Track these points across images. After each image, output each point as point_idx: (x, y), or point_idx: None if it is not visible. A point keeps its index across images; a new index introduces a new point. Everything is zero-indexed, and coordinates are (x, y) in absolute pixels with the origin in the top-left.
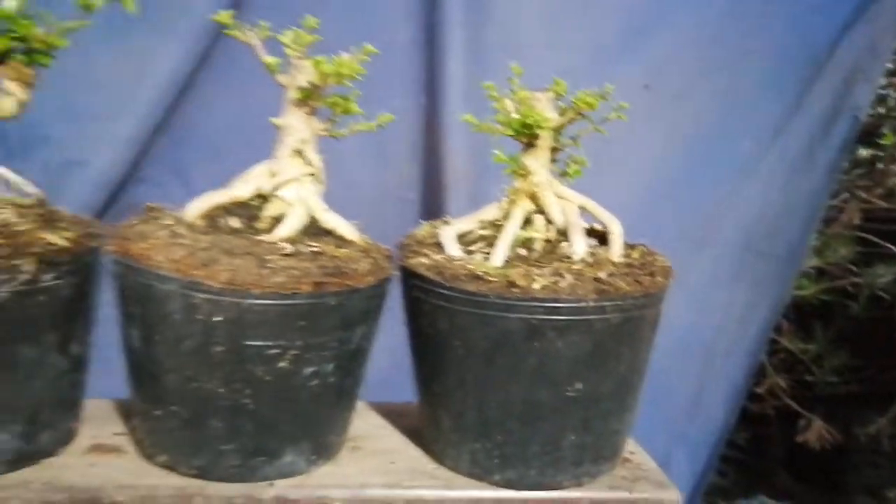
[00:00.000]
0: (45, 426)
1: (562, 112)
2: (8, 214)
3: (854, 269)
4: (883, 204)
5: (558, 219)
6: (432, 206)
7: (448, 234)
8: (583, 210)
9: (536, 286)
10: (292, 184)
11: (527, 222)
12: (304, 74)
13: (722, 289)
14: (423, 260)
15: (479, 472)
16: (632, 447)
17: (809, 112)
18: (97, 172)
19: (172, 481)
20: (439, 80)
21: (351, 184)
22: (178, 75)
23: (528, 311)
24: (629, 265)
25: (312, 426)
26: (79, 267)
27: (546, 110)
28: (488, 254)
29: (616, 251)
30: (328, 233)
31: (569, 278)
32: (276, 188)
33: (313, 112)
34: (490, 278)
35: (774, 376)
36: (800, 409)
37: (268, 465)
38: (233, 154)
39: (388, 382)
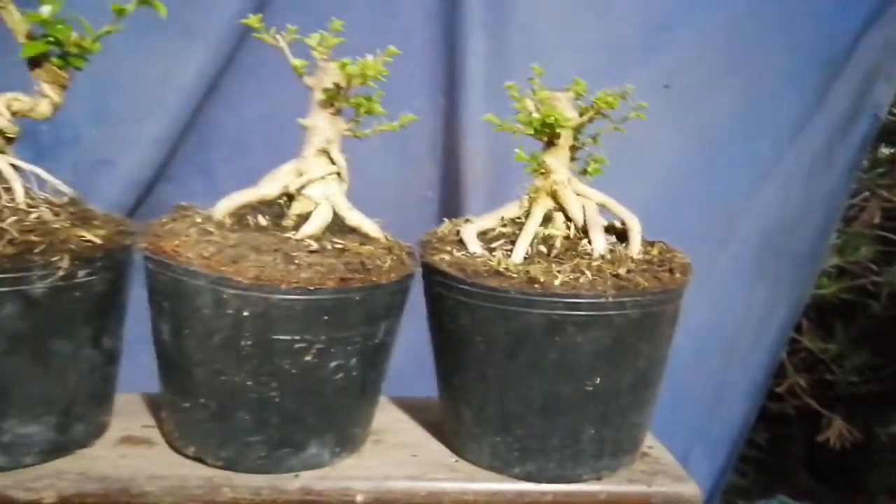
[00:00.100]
0: (79, 418)
1: (582, 111)
2: (43, 212)
3: (874, 267)
4: None
5: (578, 216)
6: (452, 205)
7: (469, 231)
8: (602, 208)
9: (557, 282)
10: (318, 183)
11: (547, 220)
12: (329, 76)
13: (742, 288)
14: (445, 256)
15: (500, 466)
16: (650, 442)
17: (829, 111)
18: (126, 172)
19: (201, 472)
20: (459, 81)
21: (372, 183)
22: (204, 77)
23: (549, 307)
24: (648, 262)
25: (337, 419)
26: (112, 263)
27: (566, 110)
28: (509, 251)
29: (635, 248)
30: (352, 230)
31: (588, 274)
32: (302, 187)
33: (338, 113)
34: (511, 274)
35: (795, 375)
36: (820, 408)
37: (293, 456)
38: (256, 153)
39: (408, 378)
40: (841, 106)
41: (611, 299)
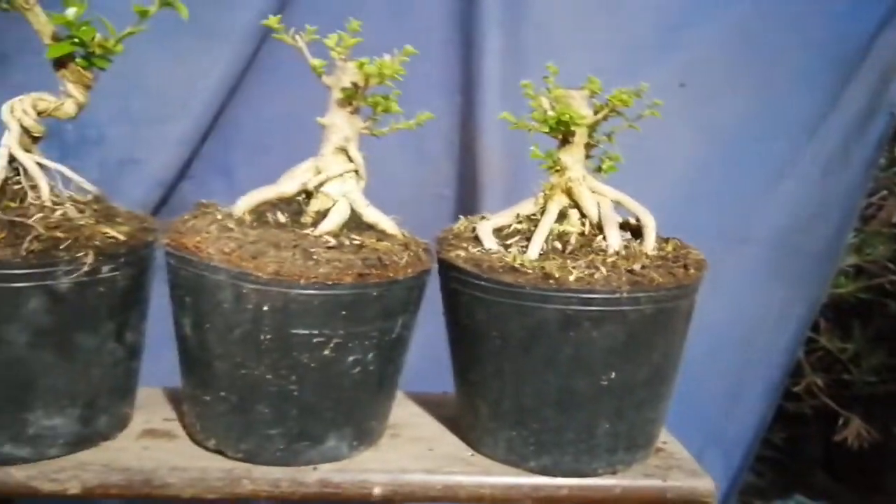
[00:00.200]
0: (102, 411)
1: (597, 109)
2: (68, 209)
3: (892, 266)
4: None
5: (593, 213)
6: (468, 204)
7: (485, 228)
8: (617, 205)
9: (572, 278)
10: (336, 180)
11: (562, 217)
12: (347, 75)
13: (757, 287)
14: (461, 253)
15: (515, 459)
16: (665, 437)
17: (845, 110)
18: (151, 172)
19: (221, 464)
20: (476, 80)
21: (389, 181)
22: (226, 79)
23: (564, 302)
24: (663, 258)
25: (354, 412)
26: (134, 259)
27: (581, 108)
28: (524, 247)
29: (650, 244)
30: (370, 227)
31: (603, 270)
32: (320, 184)
33: (356, 111)
34: (526, 270)
35: (812, 375)
36: (838, 408)
37: (312, 449)
38: (274, 153)
39: (425, 374)
40: (857, 105)
41: (625, 294)
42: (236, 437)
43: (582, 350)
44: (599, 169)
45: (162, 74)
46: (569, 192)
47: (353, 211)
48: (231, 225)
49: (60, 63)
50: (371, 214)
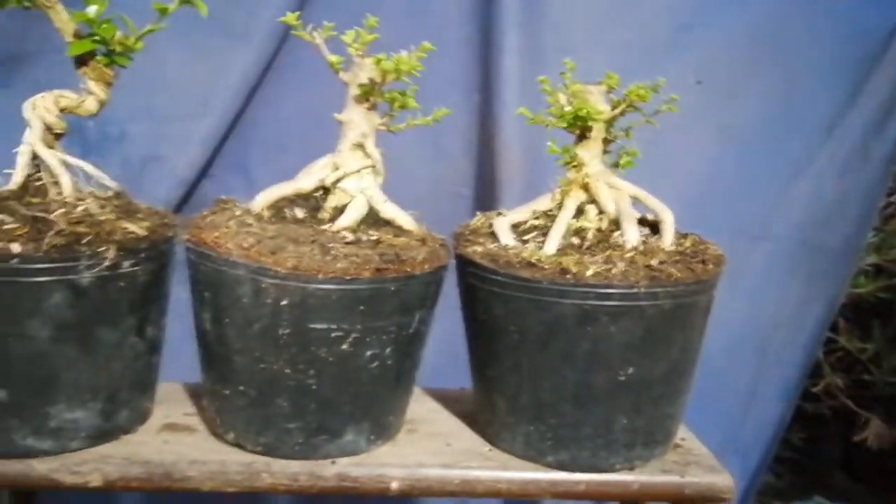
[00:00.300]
0: (123, 405)
1: (614, 104)
2: (90, 205)
3: None
4: None
5: (610, 208)
6: (485, 202)
7: (502, 223)
8: (635, 200)
9: (589, 272)
10: (353, 176)
11: (579, 212)
12: (365, 72)
13: (776, 285)
14: (478, 248)
15: (533, 454)
16: (683, 433)
17: (864, 106)
18: (173, 170)
19: (240, 458)
20: (494, 79)
21: (407, 180)
22: (248, 77)
23: (582, 297)
24: (681, 253)
25: (372, 407)
26: (155, 254)
27: (598, 103)
28: (541, 243)
29: (668, 239)
30: (387, 223)
31: (621, 265)
32: (337, 180)
33: (373, 107)
34: (543, 265)
35: (831, 375)
36: (857, 408)
37: (330, 443)
38: (292, 151)
39: (442, 370)
40: (876, 101)
41: (643, 290)
42: (255, 430)
43: (599, 345)
44: (617, 165)
45: (184, 72)
46: (586, 188)
47: (370, 207)
48: (250, 220)
49: (82, 60)
50: (388, 210)
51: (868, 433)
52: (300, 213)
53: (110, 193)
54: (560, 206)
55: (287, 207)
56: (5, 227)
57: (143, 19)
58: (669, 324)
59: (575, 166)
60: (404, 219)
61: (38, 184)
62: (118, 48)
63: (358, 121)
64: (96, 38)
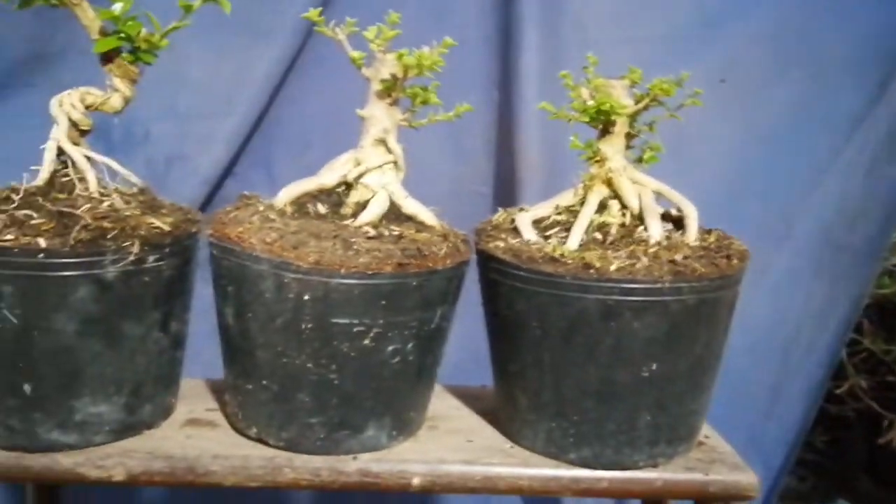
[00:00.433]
0: (147, 400)
1: (638, 99)
2: (115, 201)
3: None
4: None
5: (633, 204)
6: (505, 200)
7: (524, 219)
8: (658, 195)
9: (612, 268)
10: (375, 172)
11: (602, 208)
12: (387, 67)
13: (801, 284)
14: (500, 244)
15: (555, 451)
16: (707, 431)
17: (891, 103)
18: (198, 168)
19: (263, 452)
20: (514, 77)
21: (427, 178)
22: (272, 76)
23: (605, 292)
24: (705, 248)
25: (394, 402)
26: (179, 249)
27: (622, 97)
28: (564, 238)
29: (692, 235)
30: (409, 218)
31: (644, 260)
32: (360, 176)
33: (395, 103)
34: (566, 260)
35: (855, 377)
36: (882, 410)
37: (351, 438)
38: (315, 147)
39: (463, 368)
40: None
41: (667, 285)
42: (278, 425)
43: (623, 341)
44: (640, 159)
45: (208, 71)
46: (609, 183)
47: (392, 202)
48: (272, 216)
49: (107, 58)
50: (410, 206)
51: (893, 436)
52: (322, 208)
53: (135, 189)
54: (583, 201)
55: (310, 203)
56: (32, 222)
57: (168, 17)
58: (693, 319)
59: (598, 161)
60: (426, 214)
61: (64, 180)
62: (143, 45)
63: (380, 116)
64: (122, 35)
